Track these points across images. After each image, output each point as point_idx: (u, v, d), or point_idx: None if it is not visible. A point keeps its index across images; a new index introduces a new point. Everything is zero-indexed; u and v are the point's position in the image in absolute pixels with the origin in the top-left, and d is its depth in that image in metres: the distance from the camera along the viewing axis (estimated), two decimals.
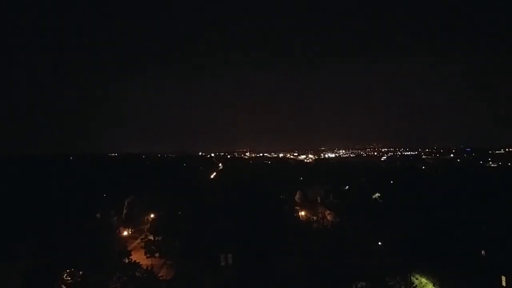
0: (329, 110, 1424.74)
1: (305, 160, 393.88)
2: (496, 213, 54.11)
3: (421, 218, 53.27)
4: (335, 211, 75.16)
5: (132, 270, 39.30)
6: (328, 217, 66.25)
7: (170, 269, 51.20)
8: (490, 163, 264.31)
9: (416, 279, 45.17)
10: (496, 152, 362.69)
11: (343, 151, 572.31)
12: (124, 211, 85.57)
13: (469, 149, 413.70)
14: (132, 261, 41.70)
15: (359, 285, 38.20)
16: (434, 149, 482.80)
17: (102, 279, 38.13)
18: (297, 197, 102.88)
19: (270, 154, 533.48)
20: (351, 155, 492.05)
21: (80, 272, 38.46)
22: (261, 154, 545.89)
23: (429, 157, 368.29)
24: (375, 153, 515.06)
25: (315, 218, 65.61)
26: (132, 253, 47.65)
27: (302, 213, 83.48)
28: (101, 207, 73.62)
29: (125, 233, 73.40)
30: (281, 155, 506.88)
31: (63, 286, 37.89)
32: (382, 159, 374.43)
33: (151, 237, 57.08)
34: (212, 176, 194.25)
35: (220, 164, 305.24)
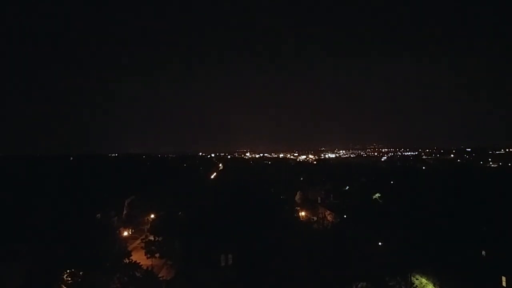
0: (329, 111, 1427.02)
1: (306, 160, 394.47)
2: (496, 213, 54.04)
3: (421, 218, 53.26)
4: (335, 212, 75.14)
5: (133, 271, 39.40)
6: (329, 218, 66.20)
7: (171, 269, 51.26)
8: (490, 163, 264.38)
9: (416, 279, 45.18)
10: (496, 152, 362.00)
11: (343, 151, 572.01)
12: (125, 211, 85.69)
13: (469, 149, 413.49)
14: (133, 262, 41.78)
15: (359, 285, 38.19)
16: (434, 149, 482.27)
17: (102, 279, 38.16)
18: (297, 197, 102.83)
19: (270, 155, 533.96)
20: (351, 156, 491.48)
21: (80, 272, 38.49)
22: (261, 155, 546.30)
23: (429, 157, 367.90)
24: (375, 154, 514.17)
25: (315, 218, 65.58)
26: (133, 253, 47.77)
27: (303, 213, 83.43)
28: (101, 207, 73.53)
29: (126, 233, 73.31)
30: (281, 155, 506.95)
31: (63, 286, 37.91)
32: (382, 160, 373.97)
33: (152, 238, 56.99)
34: (212, 177, 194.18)
35: (220, 165, 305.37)
